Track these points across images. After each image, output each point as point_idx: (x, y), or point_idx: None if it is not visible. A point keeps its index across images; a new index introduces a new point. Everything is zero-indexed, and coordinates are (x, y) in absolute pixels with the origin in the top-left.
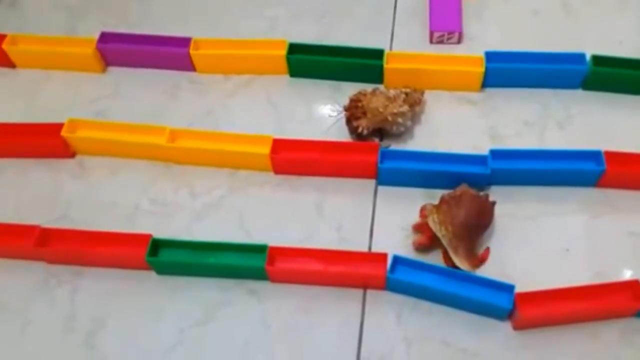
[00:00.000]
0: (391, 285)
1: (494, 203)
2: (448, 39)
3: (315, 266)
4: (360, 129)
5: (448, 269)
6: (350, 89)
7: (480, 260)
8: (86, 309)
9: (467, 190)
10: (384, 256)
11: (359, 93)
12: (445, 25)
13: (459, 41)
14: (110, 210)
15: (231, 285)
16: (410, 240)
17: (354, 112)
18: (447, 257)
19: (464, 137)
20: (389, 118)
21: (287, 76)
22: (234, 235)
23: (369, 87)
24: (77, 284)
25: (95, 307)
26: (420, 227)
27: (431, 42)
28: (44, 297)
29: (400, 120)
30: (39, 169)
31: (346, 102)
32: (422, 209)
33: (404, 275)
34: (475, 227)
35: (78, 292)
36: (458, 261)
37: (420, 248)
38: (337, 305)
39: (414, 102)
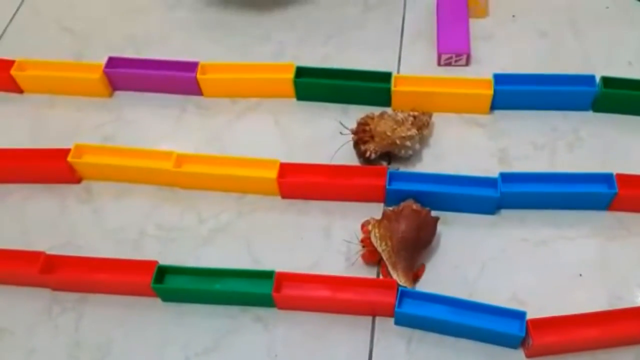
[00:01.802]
0: (399, 320)
1: (437, 219)
2: (456, 61)
3: (323, 293)
4: (368, 153)
5: (457, 299)
6: (357, 112)
7: (417, 276)
8: (91, 336)
9: (409, 205)
10: (393, 283)
11: (367, 117)
12: (453, 47)
13: (467, 63)
14: (116, 236)
15: (237, 312)
16: (358, 254)
17: (361, 135)
18: (386, 272)
19: (472, 160)
20: (397, 142)
21: (294, 99)
22: (241, 261)
23: (376, 110)
24: (81, 311)
25: (100, 335)
26: (364, 241)
27: (439, 64)
28: (48, 324)
29: (408, 143)
30: (44, 194)
31: (354, 125)
32: (365, 224)
33: (412, 309)
34: (414, 241)
35: (83, 319)
36: (396, 276)
37: (366, 262)
38: (345, 334)
39: (422, 125)
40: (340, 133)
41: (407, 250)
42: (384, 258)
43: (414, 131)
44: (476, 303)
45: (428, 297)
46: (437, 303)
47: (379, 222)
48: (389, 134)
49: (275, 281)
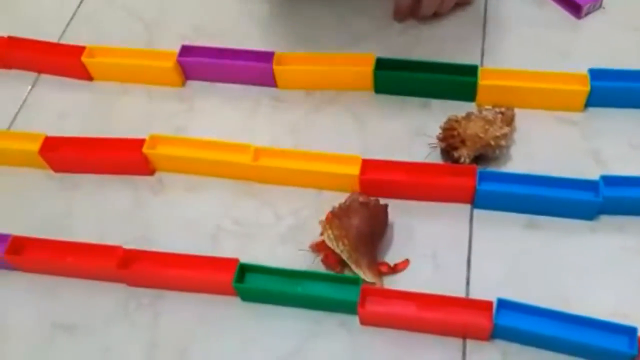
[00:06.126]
0: (496, 332)
1: (385, 206)
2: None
3: (410, 310)
4: (462, 159)
5: (558, 312)
6: (439, 106)
7: (392, 270)
8: (168, 334)
9: (356, 199)
10: (489, 304)
11: (450, 120)
12: None
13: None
14: (191, 230)
15: (320, 316)
16: (316, 260)
17: (451, 142)
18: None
19: (565, 160)
20: (492, 142)
21: (372, 92)
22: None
23: (457, 104)
24: (158, 308)
25: (178, 333)
26: (319, 247)
27: (580, 17)
28: (124, 321)
29: (503, 142)
30: (117, 185)
31: (436, 130)
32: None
33: (509, 321)
34: (369, 235)
35: (160, 317)
36: (362, 274)
37: (328, 267)
38: (436, 344)
39: (510, 121)
40: (430, 145)
41: (366, 245)
42: (345, 258)
43: (506, 129)
44: (580, 316)
45: (526, 309)
46: (536, 315)
47: (330, 222)
48: (481, 135)
49: (360, 296)
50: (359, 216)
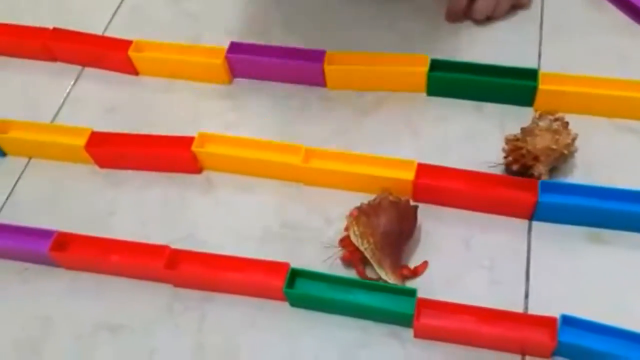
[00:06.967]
0: (559, 350)
1: (416, 207)
2: None
3: (468, 325)
4: (542, 177)
5: (628, 331)
6: (492, 110)
7: (412, 273)
8: (215, 338)
9: (386, 197)
10: (552, 320)
11: (510, 141)
12: None
13: None
14: (239, 231)
15: (371, 325)
16: (337, 257)
17: (523, 161)
18: (362, 272)
19: (626, 170)
20: (565, 151)
21: (424, 94)
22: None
23: (512, 109)
24: (204, 311)
25: (226, 338)
26: (343, 242)
27: None
28: (169, 323)
29: (573, 148)
30: (163, 183)
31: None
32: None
33: (574, 339)
34: (397, 234)
35: (206, 320)
36: (384, 274)
37: (345, 264)
38: (494, 356)
39: (567, 127)
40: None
41: (391, 245)
42: (368, 256)
43: (574, 133)
44: None
45: (592, 326)
46: (602, 334)
47: (357, 219)
48: (554, 147)
49: (415, 309)
50: (387, 215)
